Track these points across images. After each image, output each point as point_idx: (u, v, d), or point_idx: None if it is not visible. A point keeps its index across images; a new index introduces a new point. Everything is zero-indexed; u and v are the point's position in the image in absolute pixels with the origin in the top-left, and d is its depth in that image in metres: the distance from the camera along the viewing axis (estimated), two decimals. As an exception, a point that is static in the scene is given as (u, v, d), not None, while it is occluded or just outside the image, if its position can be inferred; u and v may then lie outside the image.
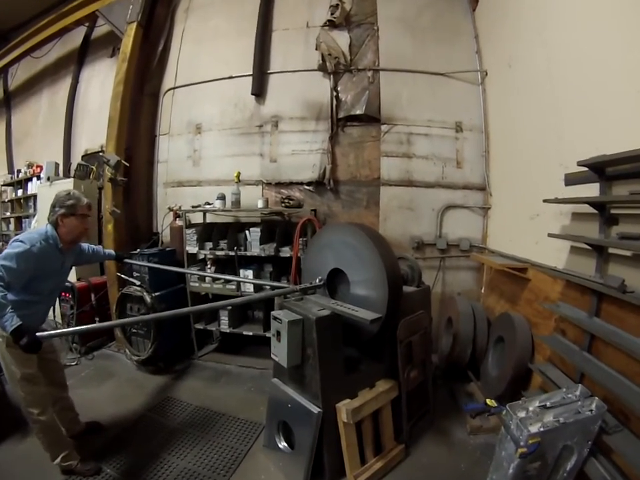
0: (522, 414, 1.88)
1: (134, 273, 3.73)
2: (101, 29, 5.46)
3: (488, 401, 2.02)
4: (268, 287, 3.59)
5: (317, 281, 2.51)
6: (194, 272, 3.77)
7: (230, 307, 3.77)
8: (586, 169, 2.23)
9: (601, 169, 2.18)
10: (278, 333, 2.14)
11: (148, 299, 3.52)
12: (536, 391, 2.69)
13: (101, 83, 5.37)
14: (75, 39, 5.89)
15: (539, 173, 3.01)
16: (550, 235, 2.59)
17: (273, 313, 2.22)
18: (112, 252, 3.02)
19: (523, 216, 3.22)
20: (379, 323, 1.97)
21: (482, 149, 4.09)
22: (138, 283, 3.63)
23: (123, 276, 3.78)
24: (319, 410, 2.04)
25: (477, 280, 4.19)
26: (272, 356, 2.24)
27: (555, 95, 2.77)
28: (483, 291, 4.08)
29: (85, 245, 2.66)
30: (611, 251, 2.20)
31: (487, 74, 4.06)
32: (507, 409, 1.85)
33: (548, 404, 1.86)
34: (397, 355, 2.42)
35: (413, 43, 4.21)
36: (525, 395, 2.75)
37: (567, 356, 2.33)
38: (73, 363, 3.83)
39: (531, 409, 1.92)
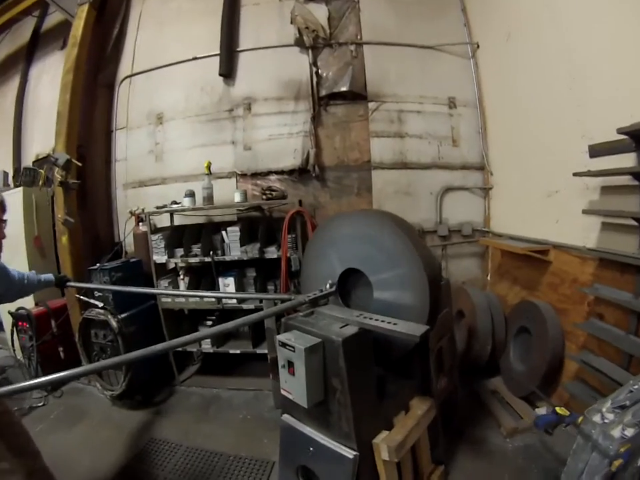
0: (597, 418, 1.58)
1: (95, 292, 3.12)
2: (52, 18, 4.72)
3: (558, 409, 1.70)
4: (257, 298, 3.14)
5: (327, 286, 2.05)
6: (161, 292, 3.24)
7: (213, 326, 3.26)
8: (621, 137, 2.00)
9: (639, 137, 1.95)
10: (290, 364, 1.65)
11: (114, 322, 2.94)
12: (572, 382, 2.48)
13: (52, 78, 4.53)
14: (24, 33, 5.05)
15: (556, 147, 2.73)
16: (585, 212, 2.33)
17: (279, 337, 1.72)
18: (49, 276, 2.33)
19: (538, 194, 2.94)
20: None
21: (478, 126, 3.79)
22: (100, 304, 3.01)
23: (82, 297, 3.14)
24: (355, 454, 1.60)
25: (481, 267, 3.91)
26: (282, 392, 1.75)
27: (573, 61, 2.48)
28: (489, 278, 3.81)
29: (15, 272, 2.02)
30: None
31: (478, 46, 3.77)
32: (586, 416, 1.55)
33: (628, 403, 1.57)
34: (428, 367, 2.04)
35: (399, 14, 3.81)
36: (564, 388, 2.53)
37: (613, 341, 2.15)
38: (39, 404, 3.18)
39: (604, 410, 1.63)
